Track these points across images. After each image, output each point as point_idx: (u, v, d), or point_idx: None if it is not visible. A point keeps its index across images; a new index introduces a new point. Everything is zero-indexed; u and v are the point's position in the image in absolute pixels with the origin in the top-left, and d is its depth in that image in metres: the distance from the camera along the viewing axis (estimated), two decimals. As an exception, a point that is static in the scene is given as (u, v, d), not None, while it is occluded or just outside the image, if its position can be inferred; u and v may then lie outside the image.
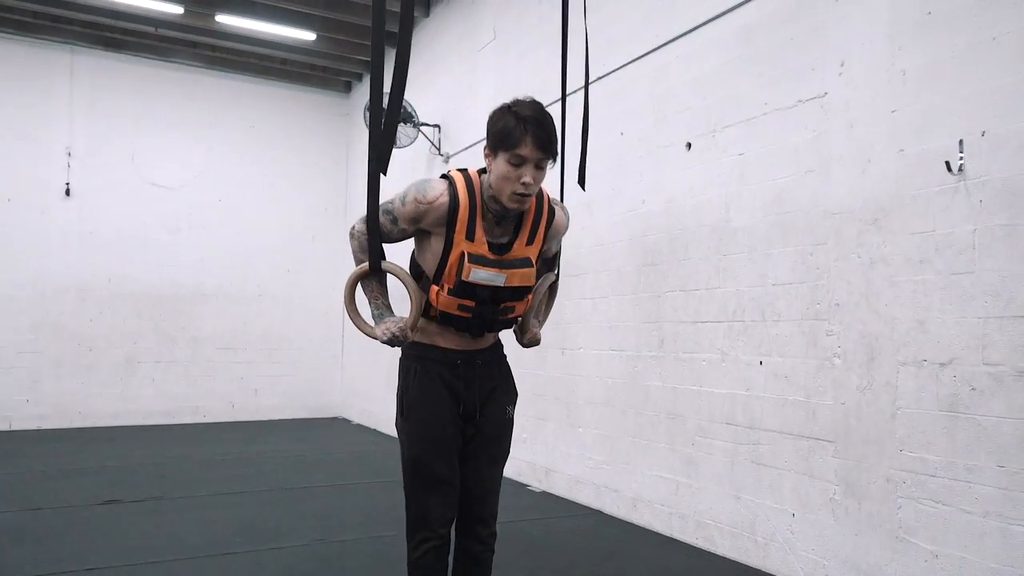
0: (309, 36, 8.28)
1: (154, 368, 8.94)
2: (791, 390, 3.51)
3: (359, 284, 2.08)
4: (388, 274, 2.06)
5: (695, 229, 4.10)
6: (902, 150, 3.06)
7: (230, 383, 9.34)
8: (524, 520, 4.59)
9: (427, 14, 7.78)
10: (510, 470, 5.76)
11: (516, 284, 2.02)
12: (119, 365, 8.77)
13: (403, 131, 7.24)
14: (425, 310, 2.07)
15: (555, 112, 4.95)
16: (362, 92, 9.69)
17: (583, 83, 2.62)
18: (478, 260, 1.95)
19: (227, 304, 9.35)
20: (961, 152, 2.84)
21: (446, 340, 2.11)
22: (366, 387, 9.16)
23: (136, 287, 8.87)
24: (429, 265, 2.04)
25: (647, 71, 4.57)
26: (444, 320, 2.06)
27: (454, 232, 1.95)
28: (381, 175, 1.91)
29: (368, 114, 2.04)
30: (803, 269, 3.48)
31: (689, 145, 4.21)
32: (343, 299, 2.16)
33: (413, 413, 2.10)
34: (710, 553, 3.91)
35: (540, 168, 1.93)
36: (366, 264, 2.02)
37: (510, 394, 2.26)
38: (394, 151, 7.22)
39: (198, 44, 8.84)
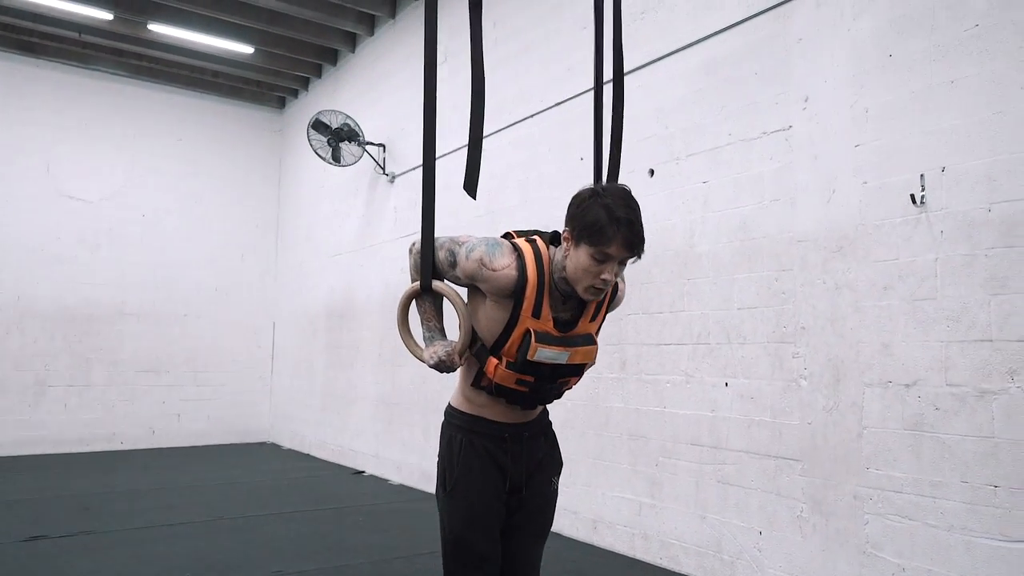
0: (247, 49, 8.07)
1: (67, 392, 8.39)
2: (757, 411, 3.63)
3: (413, 303, 2.01)
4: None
5: (659, 254, 4.20)
6: (866, 182, 3.24)
7: (151, 407, 8.86)
8: (484, 545, 4.53)
9: (371, 33, 7.72)
10: (461, 494, 5.70)
11: (579, 361, 1.95)
12: (27, 389, 8.18)
13: (347, 149, 7.13)
14: (475, 379, 1.99)
15: (535, 124, 4.87)
16: (297, 108, 9.49)
17: (594, 86, 2.60)
18: (544, 339, 1.86)
19: (149, 324, 8.90)
20: (922, 186, 3.03)
21: (494, 412, 2.00)
22: (298, 410, 8.87)
23: (48, 306, 8.32)
24: (486, 332, 1.92)
25: (607, 99, 4.65)
26: (496, 392, 1.95)
27: (520, 309, 1.85)
28: (434, 195, 1.88)
29: (423, 132, 1.95)
30: (769, 294, 3.62)
31: (652, 172, 4.32)
32: (396, 318, 2.10)
33: (457, 489, 2.00)
34: (675, 573, 3.96)
35: (622, 264, 1.84)
36: (418, 283, 1.96)
37: (555, 465, 2.18)
38: (336, 169, 7.09)
39: (124, 52, 8.45)
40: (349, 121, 7.06)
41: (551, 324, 1.89)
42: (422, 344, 2.00)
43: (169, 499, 5.81)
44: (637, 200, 1.82)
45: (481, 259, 1.84)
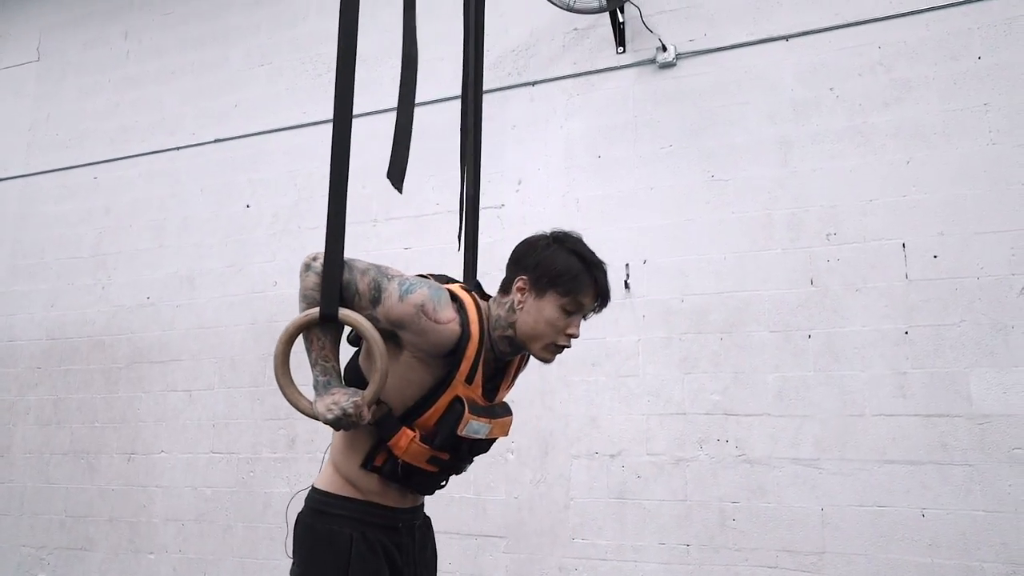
0: None
1: None
2: (458, 487, 3.48)
3: (302, 337, 1.47)
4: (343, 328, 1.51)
5: (347, 319, 3.85)
6: (576, 266, 3.50)
7: None
8: None
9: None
10: (11, 628, 4.19)
11: (496, 435, 1.65)
12: None
13: None
14: (368, 457, 1.54)
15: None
16: None
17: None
18: (475, 409, 1.55)
19: None
20: (627, 275, 3.40)
21: (386, 496, 1.60)
22: None
23: None
24: (398, 396, 1.52)
25: (288, 146, 4.23)
26: (394, 474, 1.55)
27: (456, 372, 1.52)
28: (346, 206, 1.43)
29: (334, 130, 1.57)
30: (475, 366, 3.59)
31: (341, 231, 3.99)
32: (274, 354, 1.44)
33: None
34: None
35: (586, 317, 1.64)
36: (316, 310, 1.43)
37: (436, 561, 1.81)
38: None
39: None
40: None
41: (480, 392, 1.57)
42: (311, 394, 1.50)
43: None
44: None
45: (423, 305, 1.46)
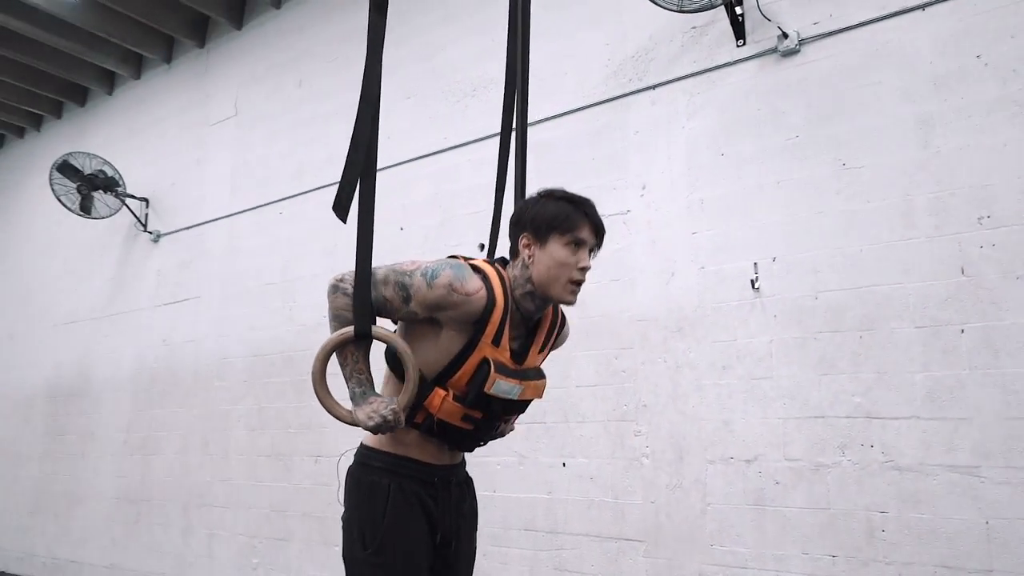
0: (-32, 72, 6.73)
1: None
2: (598, 491, 3.58)
3: (336, 354, 1.68)
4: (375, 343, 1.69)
5: (490, 330, 4.08)
6: (703, 267, 3.45)
7: None
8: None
9: (137, 75, 6.88)
10: (233, 605, 4.89)
11: (529, 397, 1.80)
12: None
13: (101, 200, 6.14)
14: (407, 417, 1.71)
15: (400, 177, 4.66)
16: (21, 149, 8.06)
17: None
18: (502, 370, 1.70)
19: None
20: (756, 273, 3.29)
21: (423, 452, 1.77)
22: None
23: None
24: (432, 362, 1.71)
25: (433, 170, 4.56)
26: (431, 430, 1.73)
27: (482, 335, 1.68)
28: (372, 233, 1.61)
29: (366, 155, 1.80)
30: (608, 372, 3.65)
31: (482, 247, 4.22)
32: (312, 371, 1.69)
33: (387, 546, 1.68)
34: (505, 674, 3.68)
35: (591, 253, 1.77)
36: (350, 328, 1.64)
37: (476, 517, 1.98)
38: (76, 222, 6.12)
39: None
40: (107, 167, 6.11)
41: (508, 355, 1.73)
42: (348, 404, 1.70)
43: None
44: None
45: (451, 283, 1.64)
